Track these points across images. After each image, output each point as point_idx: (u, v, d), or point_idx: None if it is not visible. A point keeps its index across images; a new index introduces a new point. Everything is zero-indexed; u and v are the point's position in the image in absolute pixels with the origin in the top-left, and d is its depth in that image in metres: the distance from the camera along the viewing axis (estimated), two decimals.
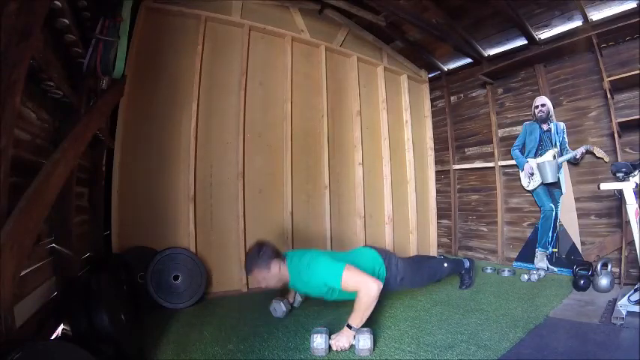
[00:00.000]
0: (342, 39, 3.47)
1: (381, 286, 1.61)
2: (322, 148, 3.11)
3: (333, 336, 1.57)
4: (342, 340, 1.54)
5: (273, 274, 1.76)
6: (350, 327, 1.56)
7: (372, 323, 1.87)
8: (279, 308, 1.99)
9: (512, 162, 3.38)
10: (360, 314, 1.57)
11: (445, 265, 2.36)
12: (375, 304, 1.59)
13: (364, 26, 3.61)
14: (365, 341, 1.51)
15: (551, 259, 3.04)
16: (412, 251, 3.66)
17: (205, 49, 2.64)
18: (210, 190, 2.60)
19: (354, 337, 1.54)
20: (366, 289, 1.57)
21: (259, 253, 1.76)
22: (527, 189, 3.27)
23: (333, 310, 2.09)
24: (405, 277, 2.05)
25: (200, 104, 2.55)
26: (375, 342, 1.56)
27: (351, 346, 1.55)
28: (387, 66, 3.73)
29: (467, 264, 2.51)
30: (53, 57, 1.39)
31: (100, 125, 2.04)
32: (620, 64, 2.68)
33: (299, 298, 2.16)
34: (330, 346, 1.53)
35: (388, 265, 1.98)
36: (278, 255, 1.81)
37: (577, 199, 2.96)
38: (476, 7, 3.04)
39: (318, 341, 1.51)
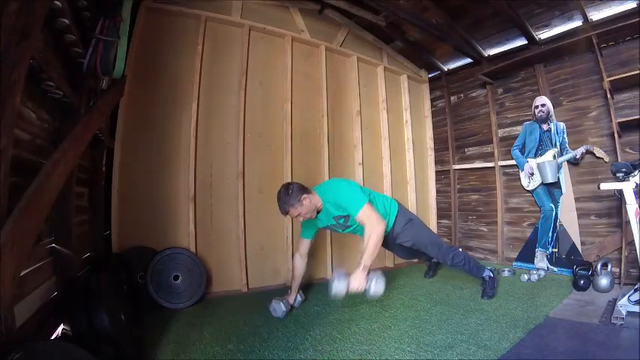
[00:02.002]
0: (342, 39, 3.47)
1: (385, 228, 1.83)
2: (322, 148, 3.11)
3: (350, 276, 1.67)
4: (356, 282, 1.65)
5: (307, 207, 1.88)
6: (363, 268, 1.67)
7: (372, 323, 1.88)
8: (278, 308, 2.00)
9: (512, 162, 3.37)
10: (370, 253, 1.72)
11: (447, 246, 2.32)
12: (380, 243, 1.80)
13: (364, 26, 3.61)
14: (377, 285, 1.65)
15: (551, 259, 3.04)
16: None
17: (205, 49, 2.64)
18: (210, 190, 2.60)
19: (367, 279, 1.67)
20: (376, 227, 1.77)
21: (288, 192, 1.87)
22: (527, 189, 3.27)
23: (333, 311, 2.10)
24: (409, 226, 2.14)
25: (200, 104, 2.55)
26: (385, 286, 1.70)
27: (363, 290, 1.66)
28: (387, 66, 3.73)
29: (488, 272, 2.33)
30: (53, 57, 1.39)
31: (100, 125, 2.04)
32: (620, 64, 2.68)
33: (299, 298, 2.17)
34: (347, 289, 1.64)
35: (400, 211, 2.15)
36: (305, 189, 1.92)
37: (577, 199, 2.96)
38: (476, 7, 3.04)
39: (339, 286, 1.62)
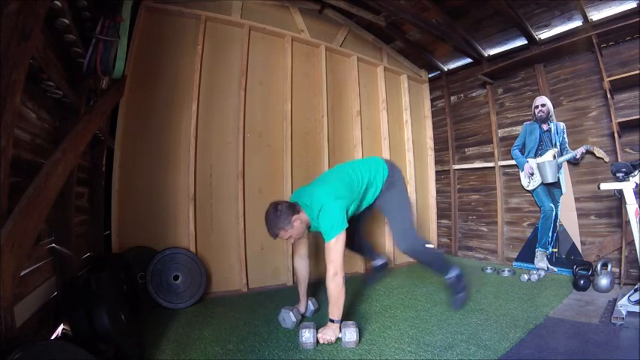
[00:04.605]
0: (342, 39, 3.47)
1: (343, 279, 1.66)
2: (322, 148, 3.11)
3: (320, 330, 1.63)
4: (328, 333, 1.61)
5: (297, 229, 1.77)
6: (332, 321, 1.64)
7: (372, 323, 1.87)
8: (288, 319, 1.86)
9: (512, 162, 3.38)
10: (334, 305, 1.64)
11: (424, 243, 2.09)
12: (344, 293, 1.66)
13: (364, 26, 3.61)
14: (351, 334, 1.59)
15: (551, 259, 3.04)
16: None
17: (205, 49, 2.64)
18: (210, 190, 2.60)
19: (340, 330, 1.62)
20: (331, 272, 1.64)
21: (277, 213, 1.73)
22: (527, 189, 3.27)
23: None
24: (391, 198, 1.98)
25: (200, 104, 2.55)
26: (360, 335, 1.65)
27: (338, 339, 1.62)
28: (387, 66, 3.73)
29: (455, 272, 2.06)
30: (53, 57, 1.39)
31: (100, 125, 2.04)
32: (620, 64, 2.68)
33: (311, 307, 2.04)
34: (317, 340, 1.60)
35: (390, 178, 1.98)
36: (294, 208, 1.78)
37: (577, 199, 2.96)
38: (476, 7, 3.04)
39: (307, 335, 1.58)
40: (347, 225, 1.72)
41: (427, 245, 2.02)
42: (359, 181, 1.90)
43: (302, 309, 2.00)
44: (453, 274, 2.04)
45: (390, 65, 3.79)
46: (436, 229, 4.01)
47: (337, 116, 3.31)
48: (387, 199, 1.98)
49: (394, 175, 2.01)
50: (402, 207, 2.01)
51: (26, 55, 1.00)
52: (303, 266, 2.02)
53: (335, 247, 1.67)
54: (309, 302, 2.05)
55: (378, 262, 2.52)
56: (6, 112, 0.92)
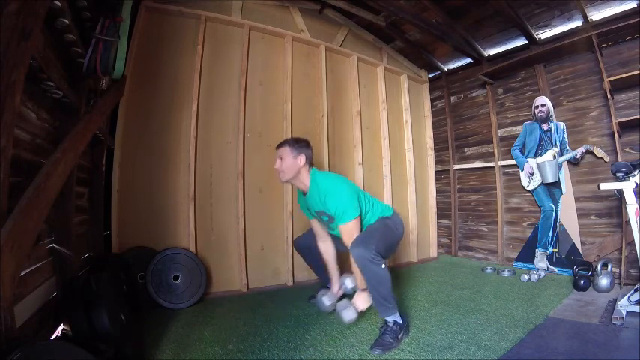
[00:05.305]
0: (342, 39, 3.47)
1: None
2: (322, 148, 3.11)
3: (353, 301, 1.77)
4: (364, 303, 1.76)
5: (295, 165, 1.79)
6: (363, 290, 1.76)
7: (372, 323, 1.87)
8: (321, 305, 1.90)
9: (512, 162, 3.38)
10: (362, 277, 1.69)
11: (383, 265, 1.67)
12: None
13: (364, 26, 3.61)
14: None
15: (551, 259, 3.04)
16: (412, 252, 3.66)
17: (205, 49, 2.64)
18: (210, 189, 2.60)
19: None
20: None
21: (299, 141, 1.85)
22: (527, 189, 3.27)
23: (334, 310, 2.09)
24: (376, 226, 1.84)
25: (200, 104, 2.55)
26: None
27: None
28: (387, 66, 3.73)
29: (396, 317, 1.69)
30: (53, 57, 1.39)
31: (100, 125, 2.04)
32: (620, 64, 2.68)
33: (349, 284, 1.92)
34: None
35: (388, 218, 1.92)
36: (310, 161, 1.84)
37: (577, 199, 2.96)
38: (476, 7, 3.05)
39: (350, 315, 1.72)
40: (359, 213, 1.74)
41: (382, 265, 1.64)
42: (362, 200, 1.85)
43: (335, 290, 1.99)
44: (396, 318, 1.67)
45: (390, 65, 3.79)
46: (436, 229, 4.01)
47: (337, 116, 3.31)
48: (374, 225, 1.84)
49: (395, 220, 1.94)
50: (376, 230, 1.80)
51: (26, 55, 1.00)
52: (328, 247, 2.03)
53: (352, 226, 1.71)
54: (346, 279, 1.95)
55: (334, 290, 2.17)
56: (6, 112, 0.92)
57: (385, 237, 1.78)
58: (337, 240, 1.97)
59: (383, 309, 1.66)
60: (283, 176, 1.83)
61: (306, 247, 2.17)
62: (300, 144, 1.83)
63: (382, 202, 2.03)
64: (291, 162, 1.79)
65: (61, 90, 1.46)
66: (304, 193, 1.89)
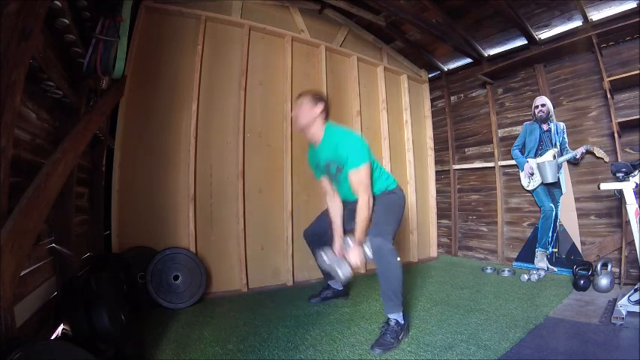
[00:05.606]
0: (342, 39, 3.47)
1: (371, 197, 1.78)
2: None
3: (346, 256, 1.77)
4: (357, 257, 1.74)
5: (311, 113, 1.83)
6: (359, 243, 1.75)
7: (372, 323, 1.87)
8: (322, 262, 1.83)
9: (512, 162, 3.38)
10: (363, 229, 1.74)
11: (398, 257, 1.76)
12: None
13: (364, 26, 3.61)
14: (368, 253, 1.74)
15: (551, 259, 3.04)
16: (412, 252, 3.66)
17: (205, 49, 2.64)
18: (210, 190, 2.60)
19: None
20: (365, 198, 1.74)
21: (319, 93, 1.92)
22: (527, 189, 3.27)
23: (334, 311, 2.10)
24: (383, 202, 1.87)
25: (200, 104, 2.55)
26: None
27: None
28: (387, 66, 3.73)
29: (399, 316, 1.69)
30: (53, 57, 1.39)
31: (100, 125, 2.04)
32: (620, 64, 2.68)
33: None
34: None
35: (392, 191, 1.94)
36: (326, 116, 1.89)
37: (577, 199, 2.96)
38: (476, 7, 3.04)
39: (346, 271, 1.73)
40: (369, 159, 1.78)
41: (398, 258, 1.72)
42: (374, 162, 1.89)
43: (337, 248, 1.92)
44: (399, 317, 1.67)
45: (390, 65, 3.79)
46: (436, 229, 4.01)
47: (337, 116, 3.29)
48: (379, 201, 1.87)
49: (398, 193, 1.96)
50: (390, 213, 1.84)
51: (26, 55, 1.00)
52: (335, 204, 2.02)
53: (365, 171, 1.73)
54: (350, 240, 1.86)
55: (334, 284, 2.27)
56: (6, 112, 0.92)
57: (397, 219, 1.89)
58: (347, 213, 2.00)
59: (390, 305, 1.68)
60: (298, 123, 1.89)
61: (314, 234, 2.17)
62: (319, 96, 1.90)
63: (388, 173, 2.04)
64: (308, 109, 1.84)
65: (61, 90, 1.46)
66: (315, 146, 1.93)
